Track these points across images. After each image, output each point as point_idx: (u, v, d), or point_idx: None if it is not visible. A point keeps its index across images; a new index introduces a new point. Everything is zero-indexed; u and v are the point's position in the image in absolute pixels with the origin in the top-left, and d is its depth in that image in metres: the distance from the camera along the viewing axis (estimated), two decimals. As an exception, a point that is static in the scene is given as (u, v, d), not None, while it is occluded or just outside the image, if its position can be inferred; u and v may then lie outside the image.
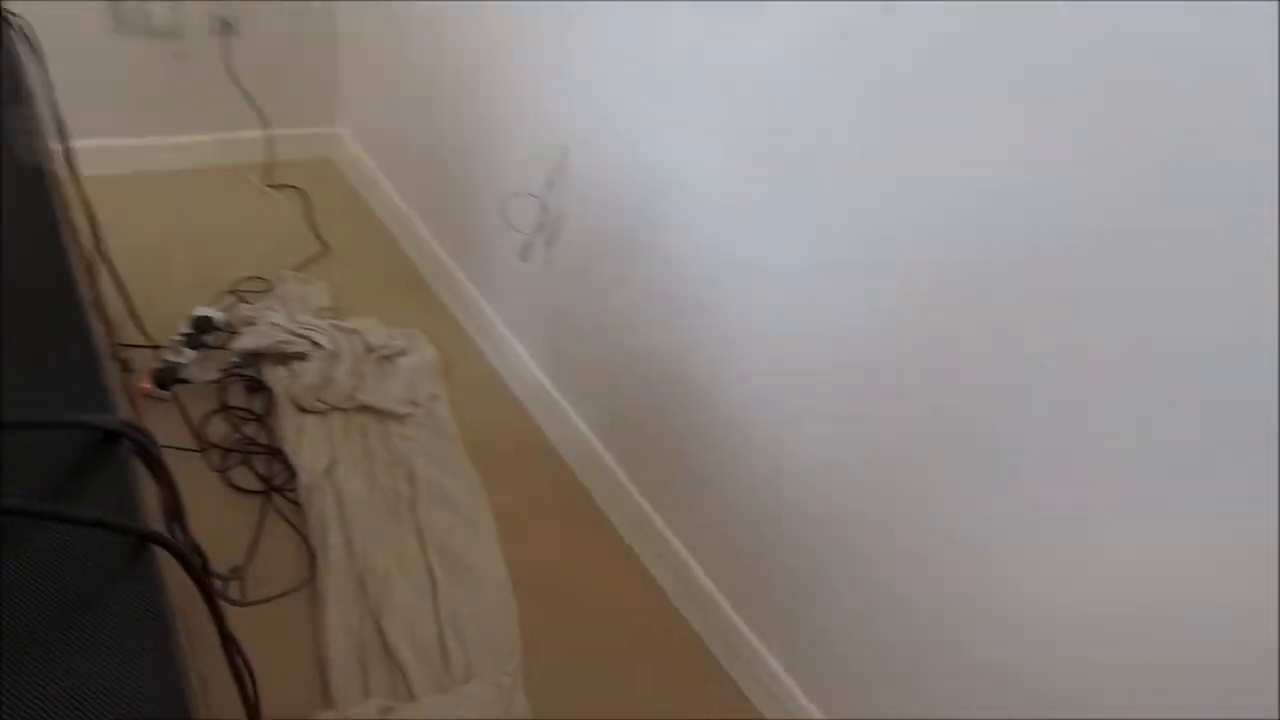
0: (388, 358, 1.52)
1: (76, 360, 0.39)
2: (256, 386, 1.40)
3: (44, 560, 0.31)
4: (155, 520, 0.51)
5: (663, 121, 1.09)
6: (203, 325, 1.39)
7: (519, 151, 1.40)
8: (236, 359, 1.40)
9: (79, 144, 1.59)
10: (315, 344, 1.44)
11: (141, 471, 0.43)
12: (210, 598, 0.40)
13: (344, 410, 1.39)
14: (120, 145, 1.68)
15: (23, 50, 0.65)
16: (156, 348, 1.36)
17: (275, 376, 1.39)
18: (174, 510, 0.48)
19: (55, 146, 0.91)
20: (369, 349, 1.51)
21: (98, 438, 0.36)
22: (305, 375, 1.39)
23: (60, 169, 0.91)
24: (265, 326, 1.43)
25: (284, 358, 1.42)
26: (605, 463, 1.38)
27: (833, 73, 0.85)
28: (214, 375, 1.38)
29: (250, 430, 1.33)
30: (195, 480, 1.22)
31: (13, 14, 0.74)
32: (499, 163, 1.46)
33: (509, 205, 1.43)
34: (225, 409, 1.34)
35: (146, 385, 1.29)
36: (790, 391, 1.00)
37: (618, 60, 1.14)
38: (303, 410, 1.36)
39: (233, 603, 1.03)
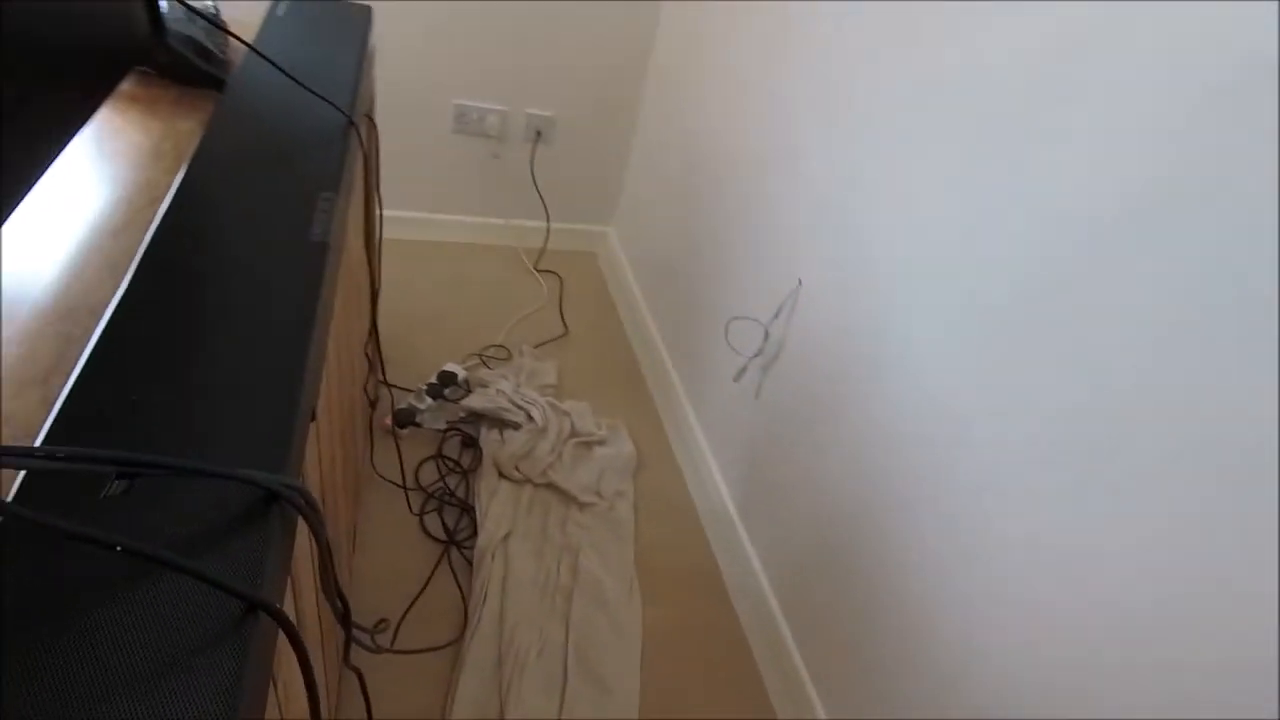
0: (588, 444, 1.59)
1: (272, 419, 0.45)
2: (471, 443, 1.53)
3: (161, 605, 0.34)
4: (306, 574, 0.55)
5: (896, 271, 1.03)
6: (446, 379, 1.57)
7: (754, 276, 1.41)
8: (463, 414, 1.55)
9: (402, 214, 1.93)
10: (529, 417, 1.55)
11: (302, 527, 0.47)
12: (304, 662, 0.42)
13: (534, 484, 1.46)
14: (432, 218, 2.03)
15: (360, 140, 0.81)
16: (406, 390, 1.56)
17: (488, 439, 1.51)
18: (325, 567, 0.52)
19: (375, 213, 1.11)
20: (574, 432, 1.59)
21: (262, 494, 0.40)
22: (512, 443, 1.49)
23: (372, 234, 1.11)
24: (493, 391, 1.58)
25: (500, 423, 1.54)
26: (771, 611, 1.27)
27: (1086, 265, 0.73)
28: (442, 425, 1.54)
29: (453, 482, 1.45)
30: (393, 516, 1.36)
31: (369, 118, 0.93)
32: (733, 283, 1.49)
33: (732, 326, 1.45)
34: (440, 457, 1.49)
35: (387, 421, 1.48)
36: (1017, 612, 0.84)
37: (859, 203, 1.11)
38: (501, 475, 1.46)
39: (372, 650, 1.10)
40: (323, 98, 0.73)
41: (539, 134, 1.94)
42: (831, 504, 1.15)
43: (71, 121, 0.64)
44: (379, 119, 1.78)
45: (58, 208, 0.62)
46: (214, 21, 0.79)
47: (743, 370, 1.42)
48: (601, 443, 1.60)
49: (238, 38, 0.78)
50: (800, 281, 1.27)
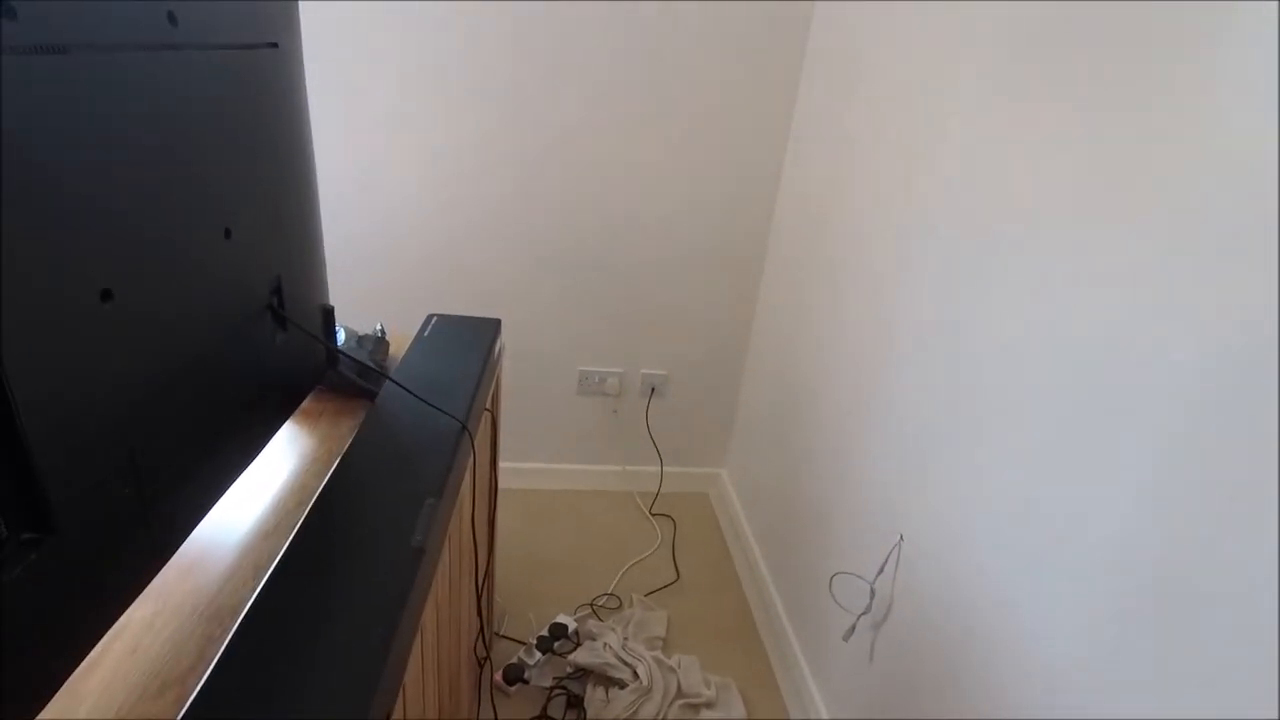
0: (695, 706, 1.51)
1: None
2: (576, 702, 1.51)
3: None
4: None
5: (1001, 529, 0.99)
6: (556, 632, 1.60)
7: (854, 528, 1.39)
8: (570, 669, 1.55)
9: (528, 465, 2.11)
10: (635, 674, 1.52)
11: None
12: None
13: (639, 754, 1.39)
14: (554, 468, 2.20)
15: (471, 440, 0.95)
16: (520, 643, 1.60)
17: (593, 697, 1.49)
18: None
19: (492, 488, 1.25)
20: (680, 693, 1.52)
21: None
22: (616, 704, 1.46)
23: (490, 503, 1.24)
24: (600, 646, 1.58)
25: (606, 680, 1.52)
26: None
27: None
28: (549, 681, 1.54)
29: (556, 747, 1.41)
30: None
31: (490, 411, 1.09)
32: (834, 534, 1.46)
33: (836, 581, 1.40)
34: (545, 717, 1.47)
35: (498, 677, 1.51)
36: None
37: (958, 460, 1.10)
38: (604, 741, 1.41)
39: None
40: (443, 411, 0.89)
41: (653, 390, 2.12)
42: (959, 805, 1.01)
43: (264, 438, 0.82)
44: (513, 386, 2.03)
45: (227, 515, 0.78)
46: (355, 359, 1.00)
47: (852, 629, 1.34)
48: (710, 705, 1.52)
49: (380, 371, 0.98)
50: (902, 537, 1.24)
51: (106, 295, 0.50)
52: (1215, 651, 0.67)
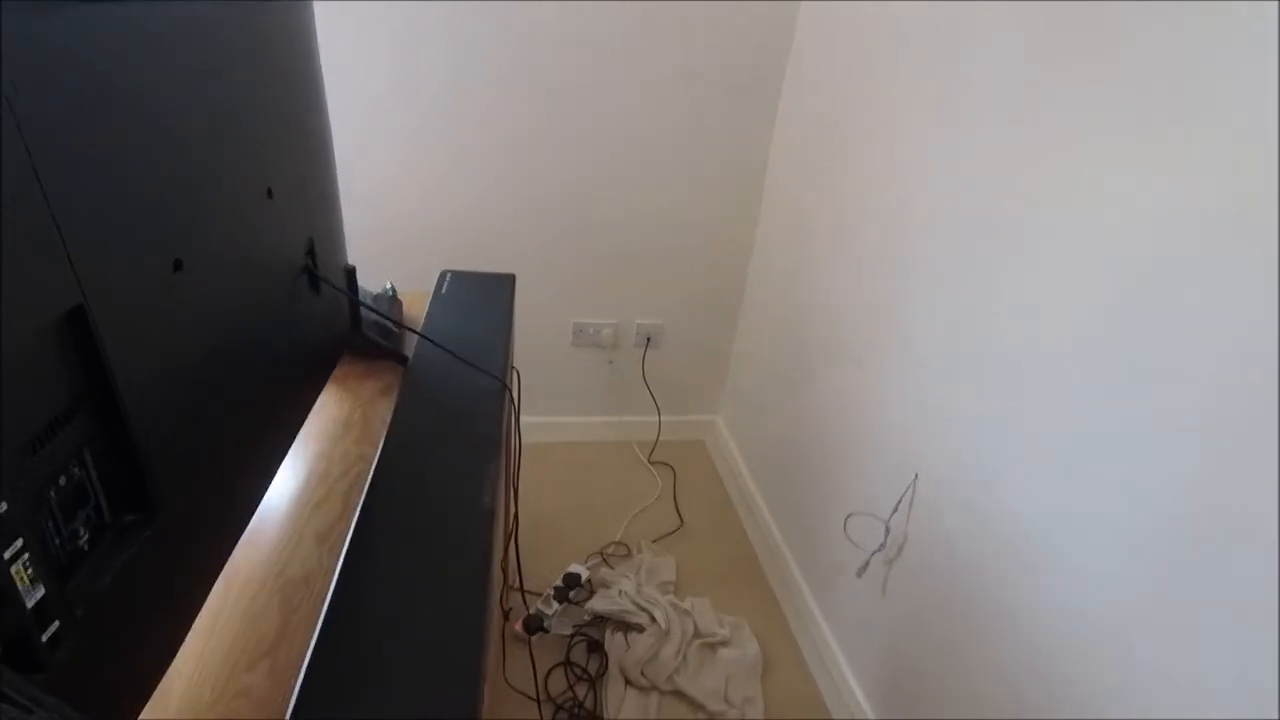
0: (712, 646, 1.56)
1: (459, 677, 0.52)
2: (597, 648, 1.55)
3: None
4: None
5: (1030, 470, 1.03)
6: (570, 581, 1.63)
7: (868, 470, 1.43)
8: (588, 617, 1.58)
9: (526, 419, 2.10)
10: (652, 618, 1.56)
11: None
12: None
13: (661, 691, 1.44)
14: (553, 421, 2.19)
15: (512, 399, 0.94)
16: (536, 594, 1.63)
17: (613, 643, 1.53)
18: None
19: (516, 446, 1.24)
20: (697, 633, 1.57)
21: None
22: (637, 648, 1.50)
23: (513, 464, 1.24)
24: (615, 593, 1.61)
25: (624, 626, 1.56)
26: None
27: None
28: (568, 630, 1.57)
29: (581, 690, 1.45)
30: (526, 730, 1.37)
31: (514, 368, 1.08)
32: (847, 477, 1.50)
33: (851, 521, 1.44)
34: (567, 663, 1.51)
35: (518, 627, 1.53)
36: None
37: (978, 400, 1.13)
38: (628, 683, 1.45)
39: None
40: (483, 370, 0.87)
41: (649, 340, 2.12)
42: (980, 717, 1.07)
43: (309, 403, 0.80)
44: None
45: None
46: (387, 317, 0.97)
47: (865, 566, 1.39)
48: (725, 643, 1.58)
49: (413, 330, 0.96)
50: (917, 475, 1.27)
51: (178, 265, 0.47)
52: (1239, 588, 0.71)
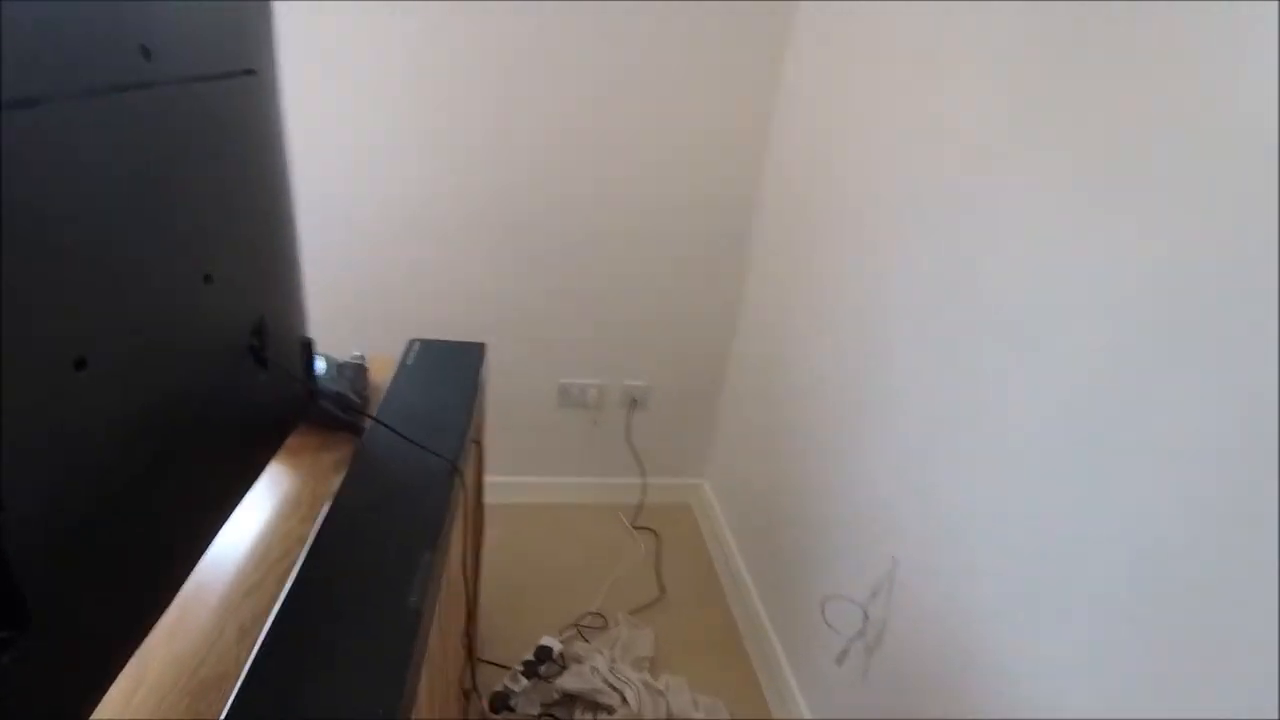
0: (686, 731, 1.49)
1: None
2: (564, 729, 1.48)
3: None
4: None
5: (1010, 564, 0.99)
6: (542, 655, 1.57)
7: (846, 551, 1.38)
8: (557, 695, 1.52)
9: (508, 479, 2.07)
10: (624, 699, 1.50)
11: None
12: None
13: (630, 781, 1.37)
14: (535, 481, 2.16)
15: (463, 481, 0.92)
16: (505, 668, 1.57)
17: (581, 724, 1.46)
18: None
19: (479, 523, 1.21)
20: (669, 716, 1.51)
21: None
22: (606, 732, 1.43)
23: (477, 542, 1.20)
24: (587, 670, 1.55)
25: (594, 706, 1.50)
26: None
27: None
28: (536, 709, 1.51)
29: (545, 777, 1.38)
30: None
31: (478, 443, 1.06)
32: (827, 556, 1.46)
33: (829, 604, 1.39)
34: (533, 746, 1.44)
35: (483, 704, 1.47)
36: None
37: (958, 489, 1.10)
38: (594, 770, 1.38)
39: None
40: (433, 452, 0.85)
41: (634, 401, 2.09)
42: (959, 834, 1.01)
43: (249, 481, 0.78)
44: (491, 398, 1.98)
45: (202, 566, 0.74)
46: (347, 395, 0.96)
47: (845, 653, 1.34)
48: (700, 728, 1.51)
49: (363, 411, 0.94)
50: (895, 560, 1.23)
51: (81, 364, 0.45)
52: (1216, 693, 0.67)
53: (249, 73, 0.71)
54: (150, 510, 0.55)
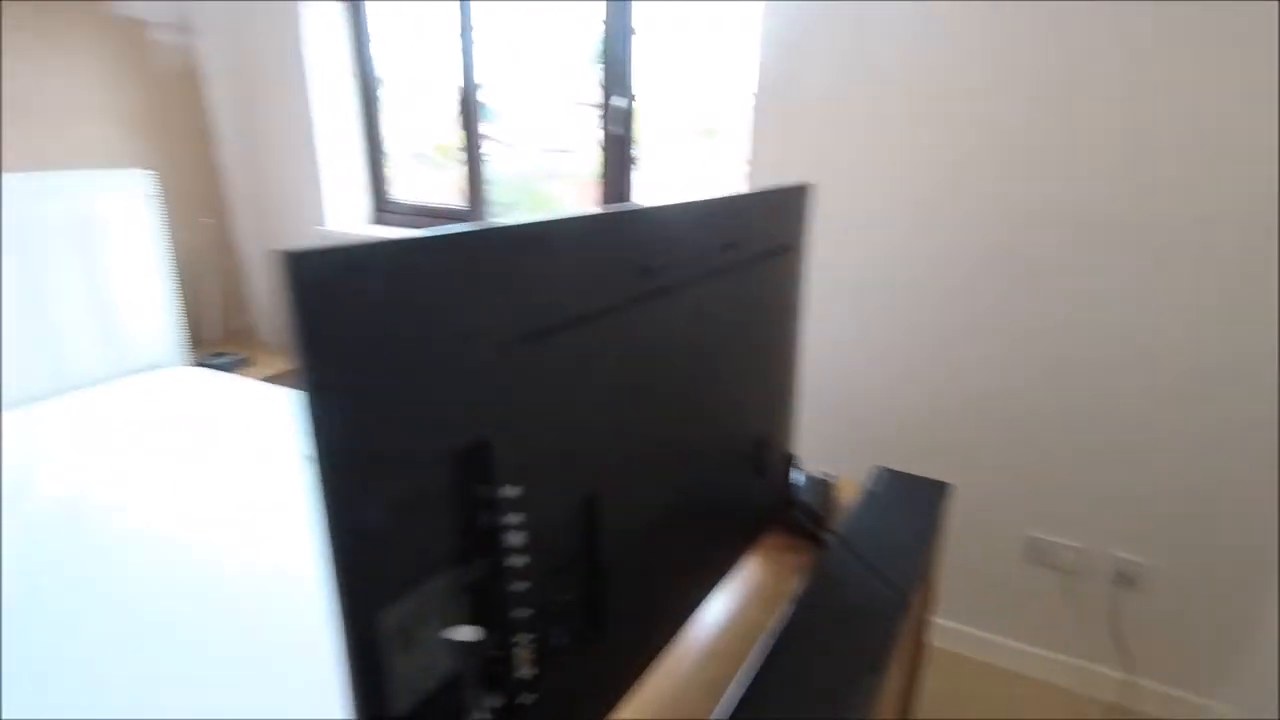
0: None
1: None
2: None
3: None
4: None
5: None
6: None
7: None
8: None
9: (960, 626, 1.93)
10: None
11: None
12: None
13: None
14: (987, 638, 1.95)
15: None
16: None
17: None
18: None
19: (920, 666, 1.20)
20: None
21: None
22: None
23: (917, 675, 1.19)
24: None
25: None
26: None
27: None
28: None
29: None
30: None
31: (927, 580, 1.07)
32: None
33: None
34: None
35: None
36: None
37: None
38: None
39: None
40: (887, 578, 0.91)
41: (1121, 575, 1.75)
42: None
43: (731, 562, 0.96)
44: (951, 540, 1.90)
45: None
46: (811, 510, 1.08)
47: None
48: None
49: (827, 526, 1.05)
50: None
51: (651, 459, 0.66)
52: None
53: (787, 248, 0.91)
54: (676, 568, 0.75)
